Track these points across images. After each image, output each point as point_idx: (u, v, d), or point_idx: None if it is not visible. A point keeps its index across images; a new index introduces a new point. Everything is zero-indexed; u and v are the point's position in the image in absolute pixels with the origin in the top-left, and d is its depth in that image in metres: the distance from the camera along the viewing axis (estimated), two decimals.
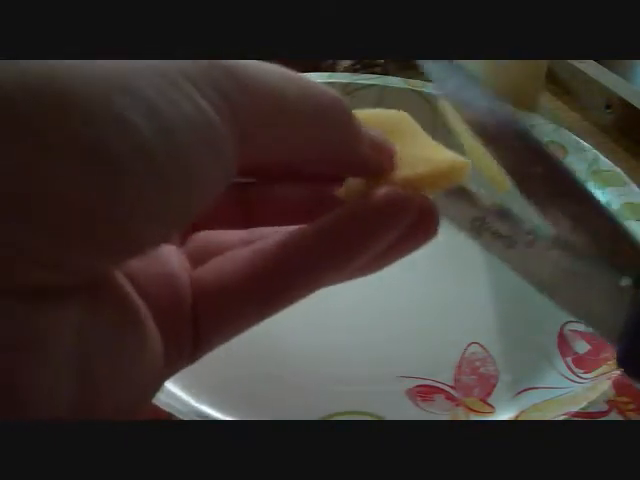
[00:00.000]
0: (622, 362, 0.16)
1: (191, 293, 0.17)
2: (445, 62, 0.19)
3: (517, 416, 0.28)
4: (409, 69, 0.54)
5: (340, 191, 0.19)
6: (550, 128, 0.46)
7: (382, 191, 0.17)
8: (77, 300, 0.13)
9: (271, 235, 0.18)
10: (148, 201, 0.12)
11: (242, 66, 0.14)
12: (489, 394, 0.30)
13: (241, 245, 0.18)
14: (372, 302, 0.34)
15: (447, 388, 0.31)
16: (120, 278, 0.15)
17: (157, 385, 0.16)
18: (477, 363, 0.32)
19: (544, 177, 0.18)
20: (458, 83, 0.19)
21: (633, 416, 0.26)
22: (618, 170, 0.42)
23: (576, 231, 0.17)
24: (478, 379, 0.31)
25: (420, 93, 0.47)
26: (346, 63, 0.58)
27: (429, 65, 0.19)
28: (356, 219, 0.17)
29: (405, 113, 0.20)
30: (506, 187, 0.19)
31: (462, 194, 0.19)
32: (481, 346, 0.33)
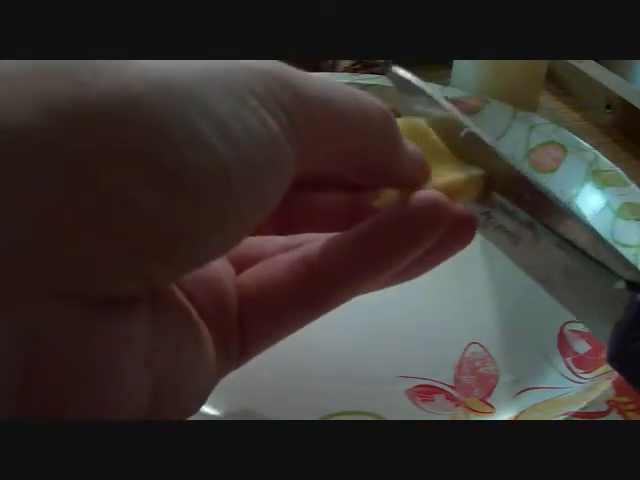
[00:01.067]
0: (612, 360, 0.17)
1: (236, 298, 0.17)
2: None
3: (517, 416, 0.28)
4: (409, 69, 0.54)
5: (378, 201, 0.19)
6: (550, 128, 0.46)
7: (422, 196, 0.17)
8: (144, 308, 0.13)
9: (311, 241, 0.18)
10: (222, 218, 0.12)
11: (299, 78, 0.14)
12: (489, 394, 0.30)
13: (281, 251, 0.18)
14: (372, 302, 0.34)
15: (447, 388, 0.31)
16: (172, 285, 0.15)
17: (210, 390, 0.16)
18: (477, 363, 0.32)
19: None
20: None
21: (633, 416, 0.26)
22: (618, 170, 0.42)
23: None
24: (478, 379, 0.31)
25: None
26: (346, 63, 0.58)
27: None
28: (398, 224, 0.17)
29: (422, 121, 0.20)
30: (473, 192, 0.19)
31: None
32: (481, 346, 0.33)
